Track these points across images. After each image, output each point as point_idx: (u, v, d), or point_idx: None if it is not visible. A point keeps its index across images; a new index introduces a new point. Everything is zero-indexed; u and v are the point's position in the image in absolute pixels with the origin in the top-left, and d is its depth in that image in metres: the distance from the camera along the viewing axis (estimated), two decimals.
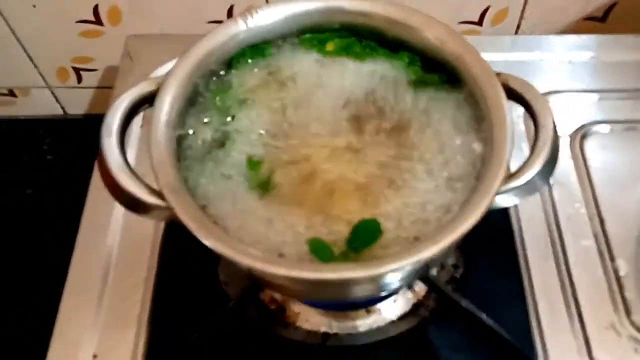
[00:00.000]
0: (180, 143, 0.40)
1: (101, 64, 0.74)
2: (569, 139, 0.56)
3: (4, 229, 0.71)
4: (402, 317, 0.48)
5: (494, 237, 0.50)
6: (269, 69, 0.45)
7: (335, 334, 0.48)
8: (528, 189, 0.38)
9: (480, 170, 0.39)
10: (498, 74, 0.41)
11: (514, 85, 0.41)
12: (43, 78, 0.76)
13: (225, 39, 0.43)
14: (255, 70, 0.44)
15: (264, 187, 0.38)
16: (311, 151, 0.40)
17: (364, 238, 0.37)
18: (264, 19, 0.44)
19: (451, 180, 0.39)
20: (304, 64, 0.45)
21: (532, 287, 0.49)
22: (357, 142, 0.41)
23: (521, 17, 0.69)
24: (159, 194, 0.36)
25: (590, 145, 0.56)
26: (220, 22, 0.67)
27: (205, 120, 0.42)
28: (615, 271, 0.49)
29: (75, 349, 0.46)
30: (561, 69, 0.62)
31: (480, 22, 0.69)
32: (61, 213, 0.69)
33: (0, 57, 0.72)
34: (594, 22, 0.69)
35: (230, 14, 0.68)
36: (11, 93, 0.78)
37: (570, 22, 0.69)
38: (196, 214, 0.35)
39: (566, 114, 0.58)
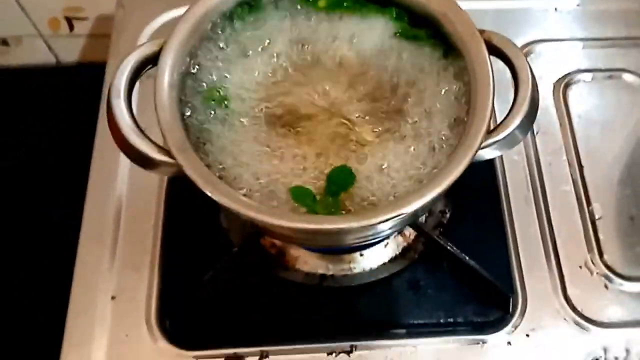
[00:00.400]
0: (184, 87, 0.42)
1: (92, 13, 0.75)
2: (552, 87, 0.59)
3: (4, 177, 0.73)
4: (393, 260, 0.52)
5: (480, 184, 0.53)
6: (264, 25, 0.46)
7: (332, 276, 0.51)
8: (509, 142, 0.41)
9: (464, 124, 0.41)
10: (481, 31, 0.43)
11: (496, 42, 0.43)
12: (35, 27, 0.76)
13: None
14: (250, 28, 0.46)
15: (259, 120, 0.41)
16: (304, 95, 0.42)
17: (339, 183, 0.40)
18: None
19: (436, 134, 0.42)
20: (298, 20, 0.46)
21: (513, 230, 0.52)
22: (345, 93, 0.44)
23: None
24: (166, 152, 0.39)
25: (573, 94, 0.58)
26: None
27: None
28: (591, 214, 0.52)
29: (94, 292, 0.50)
30: (547, 16, 0.63)
31: None
32: (64, 162, 0.72)
33: None
34: None
35: None
36: (4, 42, 0.78)
37: None
38: (202, 170, 0.38)
39: (550, 62, 0.60)
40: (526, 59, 0.41)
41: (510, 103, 0.41)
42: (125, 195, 0.54)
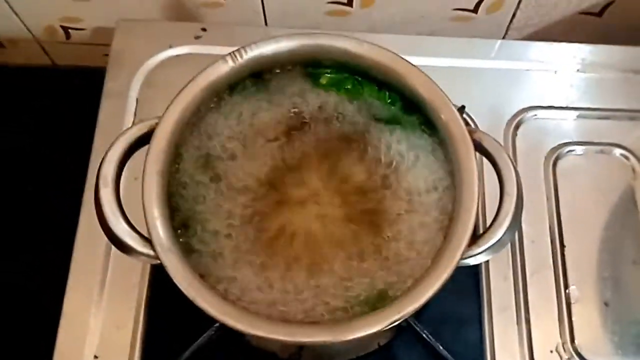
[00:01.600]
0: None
1: (90, 24, 0.74)
2: (543, 159, 0.59)
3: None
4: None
5: None
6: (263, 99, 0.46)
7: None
8: (494, 249, 0.42)
9: (446, 229, 0.42)
10: (472, 132, 0.43)
11: (487, 145, 0.43)
12: (31, 33, 0.75)
13: (214, 79, 0.44)
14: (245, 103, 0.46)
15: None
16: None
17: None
18: (255, 54, 0.45)
19: (417, 241, 0.42)
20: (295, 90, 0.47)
21: (490, 308, 0.53)
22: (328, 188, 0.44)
23: (517, 8, 0.68)
24: (150, 243, 0.39)
25: (562, 167, 0.59)
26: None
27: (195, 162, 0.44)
28: (567, 298, 0.53)
29: (79, 349, 0.51)
30: (545, 80, 0.63)
31: (475, 10, 0.69)
32: (57, 167, 0.72)
33: None
34: (590, 17, 0.69)
35: None
36: (0, 44, 0.78)
37: (566, 15, 0.69)
38: (185, 272, 0.38)
39: (543, 131, 0.60)
40: (515, 170, 0.42)
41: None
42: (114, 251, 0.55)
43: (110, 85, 0.60)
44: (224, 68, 0.44)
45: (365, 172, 0.45)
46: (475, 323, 0.53)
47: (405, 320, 0.50)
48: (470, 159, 0.42)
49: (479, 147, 0.42)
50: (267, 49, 0.44)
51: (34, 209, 0.70)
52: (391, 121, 0.46)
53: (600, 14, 0.69)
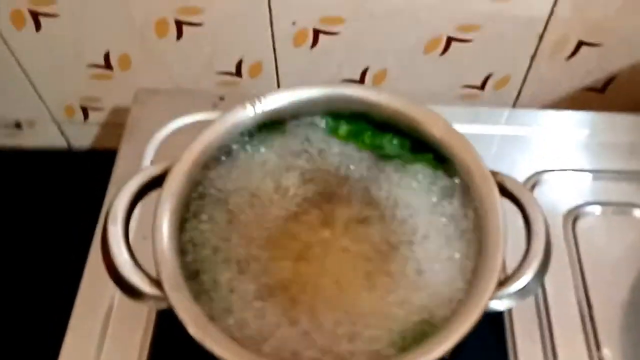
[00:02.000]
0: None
1: (108, 104, 0.75)
2: (562, 220, 0.57)
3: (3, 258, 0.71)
4: None
5: (484, 317, 0.51)
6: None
7: None
8: (521, 294, 0.40)
9: (470, 274, 0.40)
10: (494, 174, 0.42)
11: (510, 186, 0.42)
12: (50, 113, 0.77)
13: (232, 125, 0.44)
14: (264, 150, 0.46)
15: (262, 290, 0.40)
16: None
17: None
18: (271, 105, 0.45)
19: (439, 283, 0.40)
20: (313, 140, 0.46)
21: None
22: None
23: (523, 84, 0.70)
24: (157, 284, 0.37)
25: (582, 227, 0.57)
26: (229, 74, 0.69)
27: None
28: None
29: None
30: (557, 145, 0.63)
31: (482, 87, 0.71)
32: (65, 249, 0.68)
33: (10, 90, 0.74)
34: (593, 93, 0.70)
35: (239, 68, 0.69)
36: (17, 125, 0.79)
37: (569, 92, 0.71)
38: (195, 314, 0.36)
39: (559, 193, 0.59)
40: (541, 210, 0.40)
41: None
42: (117, 300, 0.52)
43: (125, 148, 0.61)
44: (243, 114, 0.44)
45: (381, 222, 0.43)
46: None
47: None
48: (494, 199, 0.41)
49: (502, 189, 0.41)
50: (286, 97, 0.45)
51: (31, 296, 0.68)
52: (408, 168, 0.45)
53: (602, 90, 0.70)
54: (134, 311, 0.50)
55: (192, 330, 0.35)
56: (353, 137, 0.47)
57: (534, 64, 0.67)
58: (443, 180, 0.44)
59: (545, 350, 0.51)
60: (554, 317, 0.52)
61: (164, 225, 0.39)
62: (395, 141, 0.46)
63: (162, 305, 0.37)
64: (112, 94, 0.74)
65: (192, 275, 0.39)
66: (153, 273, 0.38)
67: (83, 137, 0.82)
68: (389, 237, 0.42)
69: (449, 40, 0.64)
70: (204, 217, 0.42)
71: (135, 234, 0.48)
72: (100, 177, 0.64)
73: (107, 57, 0.68)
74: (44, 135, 0.81)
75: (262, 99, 0.44)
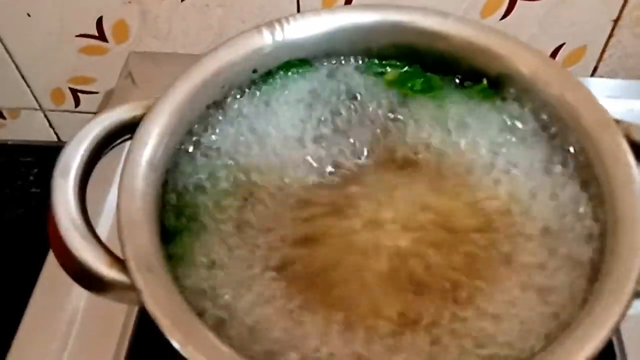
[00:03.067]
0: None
1: (103, 87, 0.65)
2: None
3: None
4: None
5: None
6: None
7: None
8: None
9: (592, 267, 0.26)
10: (617, 122, 0.29)
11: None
12: (36, 99, 0.67)
13: (242, 56, 0.31)
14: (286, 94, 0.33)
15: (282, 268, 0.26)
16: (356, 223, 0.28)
17: None
18: (297, 33, 0.33)
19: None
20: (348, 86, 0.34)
21: None
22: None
23: (600, 59, 0.57)
24: (122, 266, 0.24)
25: None
26: None
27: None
28: None
29: None
30: None
31: None
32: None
33: None
34: None
35: None
36: None
37: None
38: (172, 305, 0.23)
39: None
40: None
41: None
42: (80, 318, 0.38)
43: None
44: (257, 43, 0.32)
45: (460, 201, 0.30)
46: None
47: None
48: (620, 150, 0.27)
49: (631, 143, 0.28)
50: (316, 22, 0.32)
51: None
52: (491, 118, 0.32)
53: None
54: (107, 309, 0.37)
55: (169, 331, 0.22)
56: (404, 82, 0.34)
57: (616, 30, 0.54)
58: (547, 144, 0.31)
59: None
60: None
61: (137, 180, 0.26)
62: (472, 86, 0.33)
63: (128, 296, 0.24)
64: (107, 72, 0.63)
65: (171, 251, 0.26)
66: (118, 253, 0.26)
67: (74, 128, 0.71)
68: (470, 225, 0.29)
69: None
70: (200, 175, 0.29)
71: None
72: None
73: (99, 24, 0.57)
74: (29, 127, 0.71)
75: (285, 23, 0.32)
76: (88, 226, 0.25)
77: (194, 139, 0.30)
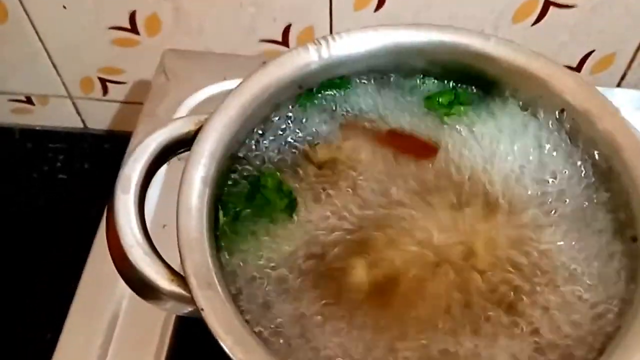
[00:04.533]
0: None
1: (131, 77, 0.66)
2: None
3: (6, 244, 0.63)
4: None
5: None
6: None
7: None
8: None
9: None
10: None
11: None
12: (65, 87, 0.68)
13: (289, 72, 0.32)
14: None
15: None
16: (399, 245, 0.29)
17: None
18: (342, 50, 0.33)
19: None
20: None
21: None
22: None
23: (629, 67, 0.58)
24: (180, 279, 0.26)
25: None
26: (273, 42, 0.59)
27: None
28: None
29: None
30: None
31: (578, 68, 0.59)
32: (69, 242, 0.61)
33: (19, 59, 0.65)
34: None
35: (286, 35, 0.58)
36: (28, 100, 0.71)
37: None
38: (230, 319, 0.24)
39: None
40: None
41: None
42: (122, 319, 0.40)
43: (149, 112, 0.50)
44: (304, 59, 0.33)
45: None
46: None
47: None
48: None
49: None
50: (361, 39, 0.33)
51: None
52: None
53: None
54: (146, 315, 0.38)
55: (230, 349, 0.23)
56: (441, 100, 0.35)
57: None
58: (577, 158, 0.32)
59: None
60: None
61: (192, 197, 0.27)
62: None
63: (185, 309, 0.26)
64: (136, 64, 0.64)
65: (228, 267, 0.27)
66: (174, 265, 0.27)
67: (100, 116, 0.72)
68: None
69: (547, 4, 0.52)
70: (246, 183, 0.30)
71: (153, 223, 0.37)
72: (118, 163, 0.56)
73: (132, 18, 0.59)
74: (57, 114, 0.72)
75: (331, 40, 0.33)
76: (148, 241, 0.27)
77: (242, 152, 0.31)
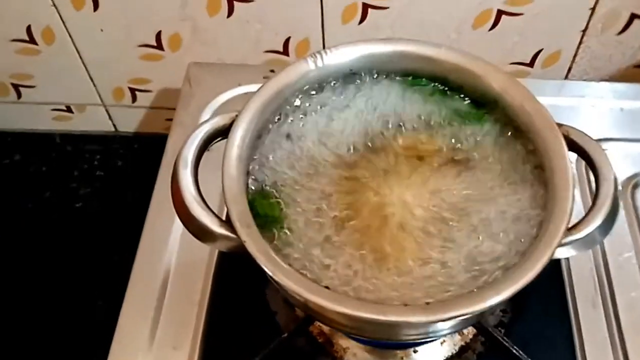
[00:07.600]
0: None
1: (156, 86, 0.76)
2: (620, 187, 0.57)
3: (52, 241, 0.73)
4: (449, 359, 0.49)
5: (543, 283, 0.50)
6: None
7: None
8: (587, 242, 0.39)
9: (539, 221, 0.40)
10: (559, 125, 0.42)
11: (575, 137, 0.42)
12: (99, 96, 0.79)
13: (294, 78, 0.44)
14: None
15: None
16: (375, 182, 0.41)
17: None
18: (332, 60, 0.45)
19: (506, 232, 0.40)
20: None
21: (580, 334, 0.49)
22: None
23: (573, 61, 0.69)
24: (228, 226, 0.38)
25: None
26: (275, 52, 0.70)
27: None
28: None
29: None
30: (612, 116, 0.62)
31: (531, 64, 0.70)
32: (111, 227, 0.73)
33: (63, 75, 0.75)
34: None
35: (286, 46, 0.70)
36: (68, 109, 0.81)
37: (620, 68, 0.70)
38: (265, 248, 0.36)
39: (617, 162, 0.58)
40: (607, 157, 0.40)
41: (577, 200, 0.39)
42: (173, 268, 0.53)
43: (180, 114, 0.62)
44: (304, 68, 0.44)
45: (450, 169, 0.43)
46: (566, 352, 0.48)
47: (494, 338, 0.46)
48: (560, 148, 0.40)
49: (567, 140, 0.41)
50: (345, 51, 0.45)
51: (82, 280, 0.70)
52: (472, 121, 0.45)
53: None
54: (192, 269, 0.51)
55: (265, 266, 0.35)
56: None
57: (585, 38, 0.66)
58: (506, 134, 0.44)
59: (608, 315, 0.50)
60: (615, 282, 0.51)
61: (231, 168, 0.39)
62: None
63: (230, 245, 0.38)
64: (161, 75, 0.75)
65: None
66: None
67: (129, 120, 0.83)
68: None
69: (500, 13, 0.64)
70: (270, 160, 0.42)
71: None
72: (146, 160, 0.66)
73: (158, 36, 0.69)
74: (91, 120, 0.82)
75: (324, 54, 0.45)
76: (202, 199, 0.39)
77: (265, 137, 0.43)
